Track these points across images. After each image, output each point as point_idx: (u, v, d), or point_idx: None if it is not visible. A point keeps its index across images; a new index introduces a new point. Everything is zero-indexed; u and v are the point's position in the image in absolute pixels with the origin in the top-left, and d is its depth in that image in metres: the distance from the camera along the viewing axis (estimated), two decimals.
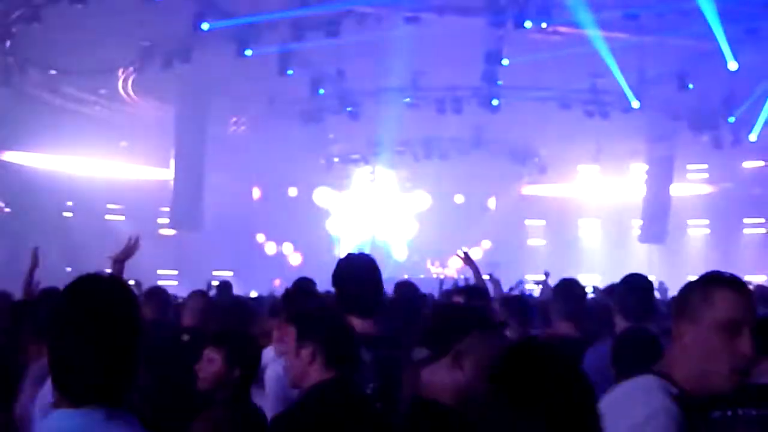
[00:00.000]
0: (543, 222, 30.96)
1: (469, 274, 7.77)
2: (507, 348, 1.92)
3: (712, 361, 2.18)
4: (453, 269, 25.18)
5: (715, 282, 2.25)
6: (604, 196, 29.42)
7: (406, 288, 7.02)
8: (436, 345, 2.31)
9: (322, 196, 30.14)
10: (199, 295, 6.41)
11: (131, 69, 19.98)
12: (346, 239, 29.33)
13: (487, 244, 28.44)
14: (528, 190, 31.11)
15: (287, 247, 29.35)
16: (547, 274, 11.15)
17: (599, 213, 30.05)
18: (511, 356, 1.82)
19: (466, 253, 6.79)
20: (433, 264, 26.79)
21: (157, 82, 20.05)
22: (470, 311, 2.43)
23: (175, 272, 23.75)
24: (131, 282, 12.52)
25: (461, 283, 10.27)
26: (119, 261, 4.81)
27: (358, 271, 3.59)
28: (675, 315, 2.29)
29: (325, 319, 3.13)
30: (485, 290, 5.82)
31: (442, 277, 24.64)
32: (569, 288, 5.12)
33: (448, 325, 2.34)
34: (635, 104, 20.37)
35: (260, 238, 28.28)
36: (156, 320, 6.05)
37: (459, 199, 31.40)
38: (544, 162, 29.00)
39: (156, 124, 23.53)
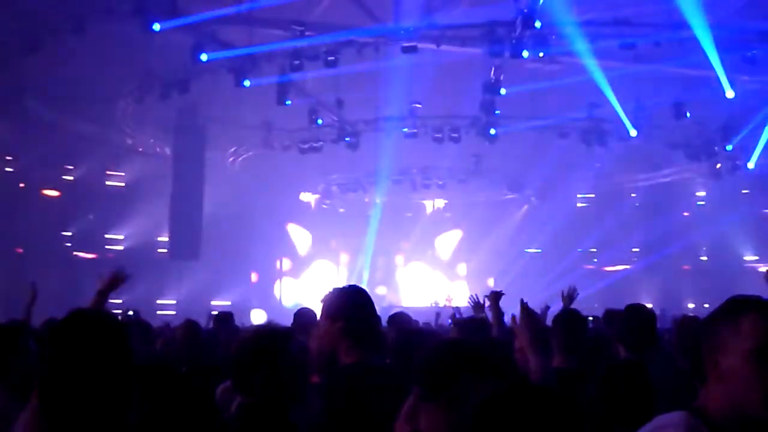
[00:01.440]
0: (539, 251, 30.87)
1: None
2: (493, 394, 1.84)
3: (748, 392, 2.10)
4: (449, 301, 25.21)
5: (741, 309, 2.18)
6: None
7: (403, 319, 6.97)
8: (431, 386, 2.24)
9: (293, 230, 30.54)
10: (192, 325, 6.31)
11: (130, 99, 20.06)
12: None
13: (491, 281, 28.35)
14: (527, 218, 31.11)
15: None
16: (546, 308, 11.12)
17: None
18: (495, 404, 1.77)
19: (494, 293, 6.60)
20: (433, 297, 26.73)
21: (157, 112, 20.12)
22: (466, 350, 2.30)
23: (173, 301, 23.71)
24: (130, 312, 12.45)
25: (456, 314, 10.17)
26: (103, 293, 4.75)
27: (359, 302, 3.57)
28: (704, 348, 2.21)
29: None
30: (485, 323, 5.77)
31: (443, 305, 25.05)
32: (570, 321, 5.08)
33: (443, 366, 2.25)
34: (633, 132, 20.44)
35: (253, 277, 28.28)
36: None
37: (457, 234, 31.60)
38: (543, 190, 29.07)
39: (155, 154, 23.64)
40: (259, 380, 3.04)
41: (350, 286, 3.66)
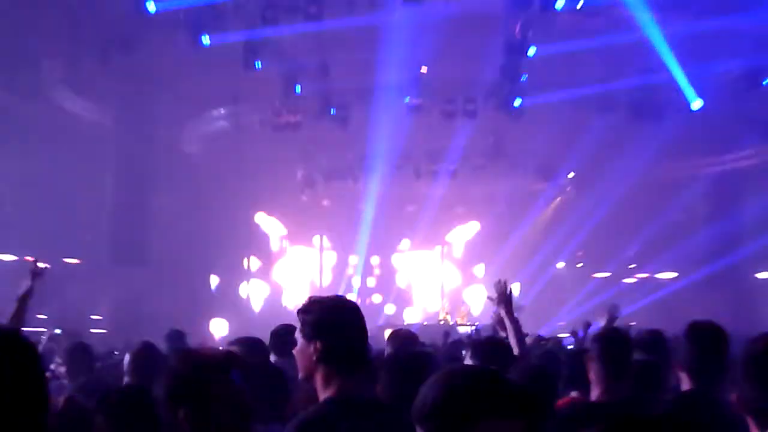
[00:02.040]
0: (580, 253, 30.97)
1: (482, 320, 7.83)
2: None
3: None
4: (463, 317, 25.31)
5: None
6: None
7: (405, 339, 7.02)
8: (442, 428, 2.19)
9: (262, 220, 30.94)
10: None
11: (58, 62, 19.99)
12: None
13: (516, 287, 28.55)
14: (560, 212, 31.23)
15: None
16: (587, 325, 11.12)
17: None
18: None
19: (502, 290, 6.67)
20: (442, 310, 26.88)
21: (93, 80, 20.05)
22: (489, 385, 2.24)
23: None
24: (57, 331, 12.45)
25: (473, 333, 10.22)
26: (22, 299, 4.73)
27: (342, 318, 3.58)
28: None
29: None
30: (506, 345, 5.78)
31: (456, 320, 25.16)
32: (615, 342, 5.10)
33: (454, 406, 2.20)
34: (696, 105, 20.44)
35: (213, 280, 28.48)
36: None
37: (474, 227, 31.81)
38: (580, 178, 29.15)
39: (91, 132, 23.55)
40: (183, 422, 3.02)
41: (332, 297, 3.69)
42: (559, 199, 31.41)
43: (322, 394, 3.49)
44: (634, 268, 29.13)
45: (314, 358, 3.51)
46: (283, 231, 31.71)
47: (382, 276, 32.39)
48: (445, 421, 2.17)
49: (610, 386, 4.90)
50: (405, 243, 32.75)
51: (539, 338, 8.84)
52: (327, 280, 31.99)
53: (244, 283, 30.27)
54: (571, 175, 29.54)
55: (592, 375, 4.95)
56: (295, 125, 22.64)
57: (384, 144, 24.51)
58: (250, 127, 23.43)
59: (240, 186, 26.87)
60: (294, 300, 29.55)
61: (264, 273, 31.13)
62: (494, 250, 30.69)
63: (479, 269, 32.62)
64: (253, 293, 30.38)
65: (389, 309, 31.36)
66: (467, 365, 4.49)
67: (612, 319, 8.10)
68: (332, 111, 22.28)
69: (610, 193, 28.37)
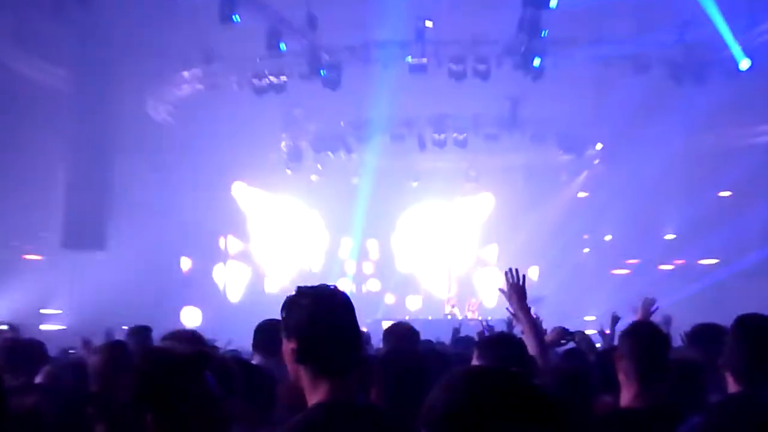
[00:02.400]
0: (609, 237, 31.03)
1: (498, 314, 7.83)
2: None
3: None
4: (473, 310, 25.42)
5: None
6: None
7: (403, 336, 7.01)
8: None
9: (240, 192, 31.05)
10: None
11: (7, 17, 19.99)
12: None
13: (534, 272, 28.70)
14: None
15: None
16: (616, 319, 11.14)
17: None
18: None
19: (514, 281, 6.69)
20: (448, 303, 26.97)
21: (45, 37, 20.02)
22: (509, 389, 2.26)
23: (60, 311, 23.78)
24: (3, 327, 12.46)
25: (485, 329, 10.22)
26: None
27: (321, 313, 3.59)
28: None
29: None
30: (521, 344, 5.79)
31: (466, 314, 25.19)
32: (648, 339, 5.06)
33: (463, 410, 2.21)
34: (744, 65, 20.41)
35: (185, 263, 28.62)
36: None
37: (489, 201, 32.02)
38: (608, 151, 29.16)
39: (43, 97, 23.55)
40: (149, 426, 3.06)
41: (315, 288, 3.71)
42: (585, 173, 31.48)
43: (309, 399, 3.53)
44: (672, 253, 29.17)
45: (292, 358, 3.56)
46: (267, 205, 31.81)
47: (381, 260, 32.66)
48: (453, 425, 2.19)
49: (643, 390, 4.86)
50: (407, 222, 32.97)
51: (564, 332, 8.76)
52: (318, 264, 32.21)
53: (220, 265, 30.33)
54: (599, 146, 29.56)
55: (622, 376, 4.89)
56: (279, 88, 22.60)
57: (382, 110, 24.55)
58: (227, 90, 23.37)
59: (215, 155, 26.84)
60: (279, 287, 29.80)
61: (244, 255, 31.21)
62: (510, 230, 30.82)
63: (491, 251, 32.81)
64: (231, 278, 30.49)
65: (389, 299, 31.59)
66: (482, 366, 4.46)
67: (647, 312, 8.10)
68: (322, 72, 22.22)
69: (644, 168, 28.42)
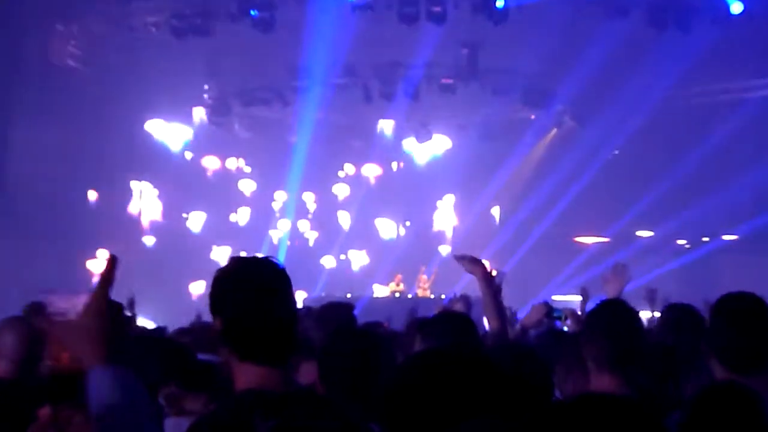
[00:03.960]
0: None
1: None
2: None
3: None
4: (424, 287, 25.72)
5: None
6: None
7: (343, 316, 7.14)
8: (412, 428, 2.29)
9: (159, 130, 30.87)
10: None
11: None
12: None
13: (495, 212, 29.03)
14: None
15: None
16: (585, 296, 11.23)
17: None
18: None
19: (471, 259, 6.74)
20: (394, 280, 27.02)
21: None
22: (465, 379, 2.35)
23: None
24: None
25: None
26: None
27: (257, 287, 3.63)
28: None
29: None
30: (470, 323, 5.77)
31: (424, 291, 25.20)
32: (619, 318, 5.14)
33: (427, 405, 2.31)
34: (736, 8, 20.54)
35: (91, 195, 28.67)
36: None
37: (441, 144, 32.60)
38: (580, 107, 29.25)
39: None
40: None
41: (249, 258, 3.78)
42: (553, 132, 31.73)
43: (236, 386, 3.56)
44: (652, 222, 29.38)
45: (219, 340, 3.61)
46: (187, 138, 31.41)
47: (320, 215, 32.91)
48: (416, 419, 2.30)
49: (614, 378, 4.93)
50: (349, 168, 33.36)
51: (547, 309, 8.69)
52: (244, 216, 32.57)
53: (136, 202, 30.52)
54: (567, 101, 29.51)
55: (591, 364, 4.99)
56: (202, 30, 22.48)
57: (322, 57, 24.48)
58: (142, 32, 23.25)
59: (127, 108, 26.72)
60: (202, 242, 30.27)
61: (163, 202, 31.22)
62: (468, 197, 30.94)
63: (446, 206, 33.32)
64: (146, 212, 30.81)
65: (328, 261, 32.02)
66: (443, 347, 4.46)
67: (619, 284, 8.07)
68: (252, 12, 22.13)
69: (621, 126, 28.59)
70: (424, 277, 26.46)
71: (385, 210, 33.30)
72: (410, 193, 32.52)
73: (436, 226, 33.55)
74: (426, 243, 31.54)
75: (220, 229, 31.08)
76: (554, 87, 28.29)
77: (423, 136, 32.01)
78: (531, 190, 30.24)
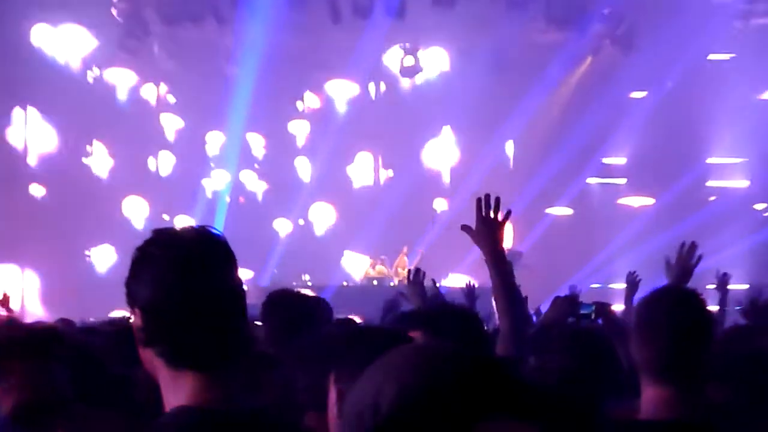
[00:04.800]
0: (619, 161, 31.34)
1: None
2: None
3: None
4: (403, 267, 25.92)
5: None
6: None
7: (293, 305, 7.14)
8: None
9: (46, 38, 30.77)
10: None
11: None
12: None
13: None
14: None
15: None
16: (633, 284, 11.18)
17: None
18: None
19: (488, 210, 6.82)
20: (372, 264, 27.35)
21: None
22: (484, 375, 2.38)
23: None
24: None
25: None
26: None
27: (191, 271, 3.59)
28: None
29: None
30: (476, 320, 5.98)
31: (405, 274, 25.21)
32: (675, 311, 5.11)
33: (439, 405, 2.31)
34: None
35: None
36: None
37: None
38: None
39: None
40: None
41: (179, 231, 3.74)
42: (588, 61, 31.95)
43: (167, 400, 3.55)
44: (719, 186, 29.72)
45: (139, 339, 3.59)
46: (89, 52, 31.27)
47: (272, 164, 32.97)
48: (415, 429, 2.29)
49: (676, 392, 4.87)
50: (311, 100, 33.17)
51: (572, 303, 8.71)
52: (167, 162, 32.60)
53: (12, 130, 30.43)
54: (607, 21, 29.57)
55: (642, 373, 4.96)
56: None
57: None
58: None
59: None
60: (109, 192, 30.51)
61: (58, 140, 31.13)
62: (468, 136, 31.14)
63: (443, 145, 33.42)
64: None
65: (283, 226, 32.18)
66: (441, 344, 4.46)
67: (685, 268, 8.08)
68: None
69: (680, 53, 28.73)
70: (405, 259, 26.88)
71: (360, 151, 33.24)
72: (394, 127, 32.05)
73: (429, 170, 33.29)
74: (416, 195, 31.29)
75: (134, 177, 31.20)
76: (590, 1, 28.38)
77: (410, 53, 31.97)
78: (558, 138, 30.35)
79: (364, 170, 33.41)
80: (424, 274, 8.96)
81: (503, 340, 6.42)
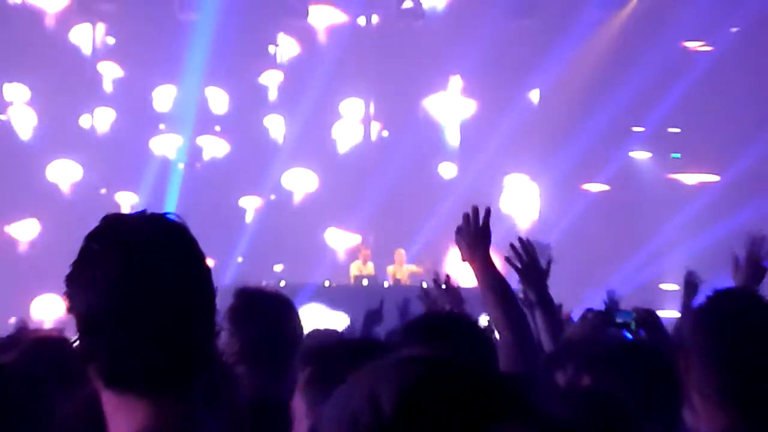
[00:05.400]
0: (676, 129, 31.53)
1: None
2: None
3: None
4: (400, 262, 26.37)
5: None
6: None
7: (259, 307, 7.22)
8: None
9: None
10: None
11: None
12: None
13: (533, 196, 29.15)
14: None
15: None
16: (692, 284, 11.34)
17: None
18: None
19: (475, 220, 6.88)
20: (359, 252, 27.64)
21: None
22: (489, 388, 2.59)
23: None
24: None
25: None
26: None
27: (147, 272, 3.58)
28: None
29: None
30: (479, 332, 6.10)
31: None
32: (744, 320, 5.04)
33: (448, 413, 2.51)
34: None
35: None
36: None
37: None
38: None
39: None
40: None
41: (133, 219, 3.74)
42: (633, 3, 32.09)
43: (111, 427, 3.58)
44: None
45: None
46: None
47: (237, 123, 32.88)
48: None
49: (741, 421, 4.84)
50: (286, 43, 33.21)
51: (609, 312, 8.71)
52: (104, 119, 32.52)
53: None
54: None
55: (697, 398, 4.99)
56: None
57: None
58: None
59: None
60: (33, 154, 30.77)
61: None
62: (484, 87, 31.52)
63: (451, 97, 33.49)
64: None
65: (250, 202, 32.35)
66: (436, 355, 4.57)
67: (755, 267, 8.04)
68: None
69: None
70: (402, 252, 27.29)
71: (348, 98, 33.13)
72: (391, 71, 32.19)
73: (434, 127, 33.25)
74: (417, 158, 31.32)
75: (62, 136, 31.21)
76: None
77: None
78: (595, 97, 30.57)
79: (352, 123, 33.34)
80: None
81: (507, 355, 6.50)
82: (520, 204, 30.60)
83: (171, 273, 3.57)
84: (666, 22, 29.98)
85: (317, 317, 19.11)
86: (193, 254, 3.66)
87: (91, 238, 3.61)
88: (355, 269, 26.39)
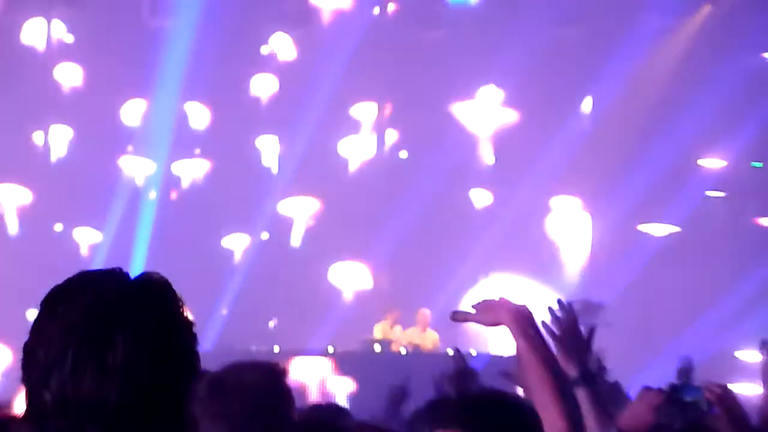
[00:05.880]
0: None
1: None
2: None
3: None
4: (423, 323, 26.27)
5: None
6: None
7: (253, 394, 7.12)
8: None
9: None
10: None
11: None
12: None
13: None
14: None
15: None
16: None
17: None
18: None
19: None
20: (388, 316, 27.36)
21: None
22: None
23: None
24: None
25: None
26: None
27: (94, 342, 3.55)
28: None
29: None
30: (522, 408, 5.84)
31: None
32: None
33: None
34: None
35: None
36: None
37: None
38: None
39: None
40: None
41: (98, 277, 3.71)
42: (707, 8, 32.13)
43: None
44: None
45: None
46: None
47: (223, 144, 32.65)
48: None
49: None
50: (282, 42, 32.94)
51: (675, 390, 8.36)
52: (61, 136, 32.51)
53: None
54: None
55: None
56: None
57: None
58: None
59: None
60: None
61: None
62: (521, 97, 31.68)
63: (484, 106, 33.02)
64: None
65: (237, 241, 32.11)
66: None
67: None
68: None
69: None
70: (426, 312, 27.17)
71: (358, 102, 32.94)
72: (410, 76, 31.98)
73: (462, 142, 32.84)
74: (444, 182, 31.11)
75: (10, 157, 31.01)
76: None
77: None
78: (659, 120, 30.80)
79: (362, 134, 33.14)
80: None
81: None
82: (571, 230, 30.39)
83: (138, 345, 3.50)
84: (746, 31, 30.25)
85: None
86: (173, 324, 3.63)
87: (52, 297, 3.60)
88: (379, 332, 25.94)
